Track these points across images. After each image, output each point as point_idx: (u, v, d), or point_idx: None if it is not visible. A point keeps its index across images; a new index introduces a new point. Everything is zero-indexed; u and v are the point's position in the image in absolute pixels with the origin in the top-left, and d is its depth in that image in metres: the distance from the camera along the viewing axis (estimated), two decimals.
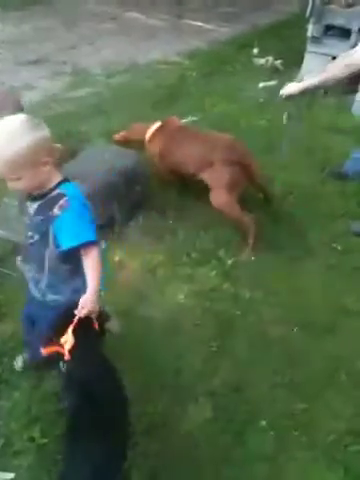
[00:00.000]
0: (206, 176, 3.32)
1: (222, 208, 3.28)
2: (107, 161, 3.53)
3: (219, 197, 3.26)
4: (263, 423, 2.31)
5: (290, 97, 3.33)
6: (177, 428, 2.30)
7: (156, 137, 3.63)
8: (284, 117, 3.54)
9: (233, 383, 2.49)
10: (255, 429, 2.29)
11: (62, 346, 1.95)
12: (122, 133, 3.91)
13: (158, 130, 3.65)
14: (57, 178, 1.95)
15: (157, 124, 3.68)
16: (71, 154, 3.71)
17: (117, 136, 3.92)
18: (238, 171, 3.24)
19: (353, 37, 5.26)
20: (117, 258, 3.24)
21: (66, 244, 1.91)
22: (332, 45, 5.41)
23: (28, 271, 2.12)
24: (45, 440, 2.23)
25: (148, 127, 3.73)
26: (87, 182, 3.28)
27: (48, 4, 9.44)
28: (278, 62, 6.28)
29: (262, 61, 6.44)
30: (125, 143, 3.83)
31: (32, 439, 2.24)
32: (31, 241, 2.00)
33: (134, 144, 3.78)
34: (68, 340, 1.93)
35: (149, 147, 3.68)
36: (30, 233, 2.00)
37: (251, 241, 3.28)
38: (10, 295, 2.95)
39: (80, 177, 3.30)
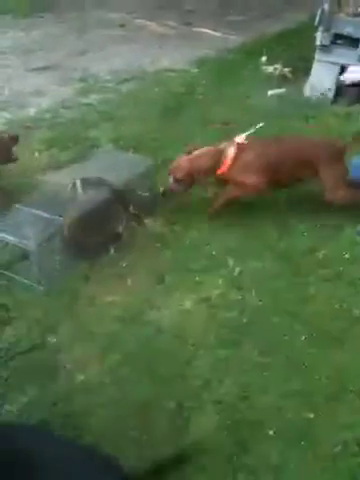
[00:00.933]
0: (320, 176, 3.51)
1: (343, 202, 3.53)
2: (116, 166, 3.54)
3: (338, 194, 3.50)
4: (270, 432, 2.31)
5: (350, 86, 3.36)
6: (183, 435, 2.30)
7: (239, 160, 3.49)
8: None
9: (240, 391, 2.48)
10: (262, 438, 2.29)
11: None
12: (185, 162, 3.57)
13: (238, 153, 3.50)
14: None
15: (231, 149, 3.51)
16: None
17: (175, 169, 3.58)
18: (342, 163, 3.53)
19: None
20: (125, 264, 3.25)
21: None
22: (340, 54, 5.41)
23: None
24: None
25: (214, 153, 3.56)
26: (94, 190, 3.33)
27: (58, 11, 9.51)
28: (287, 70, 6.29)
29: (271, 69, 6.44)
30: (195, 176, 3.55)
31: None
32: None
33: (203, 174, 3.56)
34: None
35: (231, 173, 3.53)
36: None
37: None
38: (19, 299, 2.97)
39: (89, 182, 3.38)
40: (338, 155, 3.49)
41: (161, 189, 3.66)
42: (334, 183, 3.48)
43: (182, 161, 3.57)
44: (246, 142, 3.57)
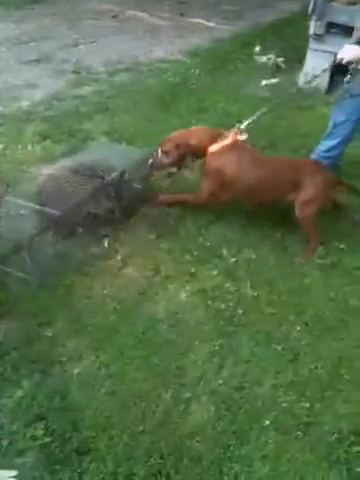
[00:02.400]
0: (295, 196, 3.28)
1: (306, 221, 3.30)
2: (110, 158, 3.52)
3: (306, 210, 3.27)
4: (266, 422, 2.31)
5: (349, 64, 3.18)
6: (180, 426, 2.30)
7: (225, 158, 3.31)
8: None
9: (236, 382, 2.49)
10: (258, 428, 2.29)
11: None
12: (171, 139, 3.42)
13: (226, 148, 3.31)
14: None
15: (224, 141, 3.33)
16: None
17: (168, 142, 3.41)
18: (324, 189, 3.30)
19: (355, 34, 5.23)
20: (119, 257, 3.24)
21: None
22: (334, 43, 5.36)
23: None
24: (48, 439, 2.24)
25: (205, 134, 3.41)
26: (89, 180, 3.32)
27: (50, 3, 9.43)
28: (280, 60, 6.26)
29: (264, 59, 6.41)
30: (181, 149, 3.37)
31: (35, 438, 2.24)
32: None
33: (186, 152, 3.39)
34: None
35: (209, 162, 3.37)
36: None
37: (311, 249, 3.33)
38: (13, 293, 2.96)
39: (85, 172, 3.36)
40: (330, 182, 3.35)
41: (150, 161, 3.48)
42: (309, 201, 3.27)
43: (173, 135, 3.46)
44: (241, 141, 3.36)
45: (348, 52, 3.18)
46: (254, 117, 3.45)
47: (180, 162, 3.45)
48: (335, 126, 3.75)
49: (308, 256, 3.28)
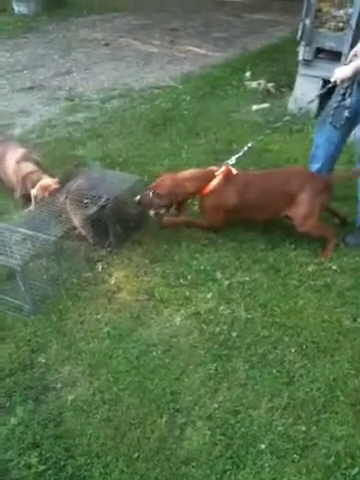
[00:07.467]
0: (291, 211, 3.44)
1: (311, 231, 3.48)
2: (104, 184, 3.55)
3: (307, 224, 3.43)
4: (262, 446, 2.30)
5: (343, 81, 3.37)
6: (175, 452, 2.28)
7: (220, 190, 3.43)
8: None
9: (231, 406, 2.47)
10: (254, 452, 2.27)
11: None
12: (154, 185, 3.50)
13: (221, 182, 3.43)
14: None
15: (217, 178, 3.43)
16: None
17: (157, 188, 3.46)
18: (319, 196, 3.42)
19: (344, 60, 5.33)
20: (113, 281, 3.24)
21: None
22: (323, 68, 5.47)
23: None
24: (43, 466, 2.22)
25: (187, 178, 3.48)
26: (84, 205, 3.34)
27: (43, 32, 9.59)
28: (270, 85, 6.37)
29: (254, 84, 6.53)
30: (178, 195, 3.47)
31: (29, 466, 2.22)
32: None
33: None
34: None
35: (208, 200, 3.48)
36: None
37: (330, 248, 3.50)
38: (7, 319, 2.95)
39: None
40: (323, 186, 3.43)
41: (137, 198, 3.49)
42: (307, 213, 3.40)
43: (166, 179, 3.49)
44: (234, 173, 3.48)
45: (338, 73, 3.39)
46: (243, 150, 3.67)
47: (171, 205, 3.52)
48: (317, 148, 3.82)
49: (329, 254, 3.47)
